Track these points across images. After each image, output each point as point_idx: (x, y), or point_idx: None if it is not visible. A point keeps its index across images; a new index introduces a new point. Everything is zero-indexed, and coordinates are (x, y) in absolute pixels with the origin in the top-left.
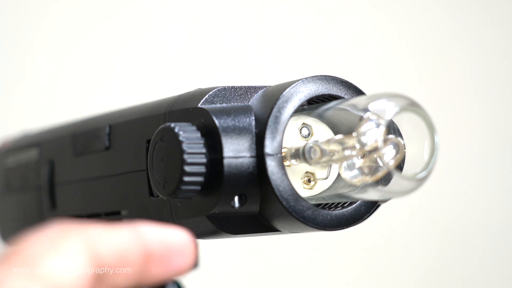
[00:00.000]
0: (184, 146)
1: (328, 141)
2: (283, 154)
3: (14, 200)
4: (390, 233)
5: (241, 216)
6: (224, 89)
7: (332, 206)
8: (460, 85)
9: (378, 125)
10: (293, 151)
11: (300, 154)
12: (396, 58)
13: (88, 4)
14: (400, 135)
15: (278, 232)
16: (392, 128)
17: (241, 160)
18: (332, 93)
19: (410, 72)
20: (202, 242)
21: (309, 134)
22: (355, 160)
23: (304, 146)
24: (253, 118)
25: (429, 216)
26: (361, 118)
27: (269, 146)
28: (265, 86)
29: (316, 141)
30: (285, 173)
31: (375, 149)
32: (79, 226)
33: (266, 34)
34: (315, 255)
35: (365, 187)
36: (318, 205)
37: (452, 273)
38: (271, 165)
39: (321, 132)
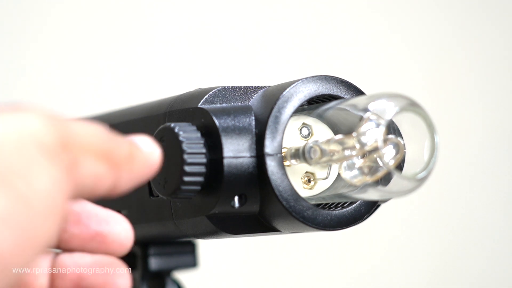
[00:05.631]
0: (184, 146)
1: (328, 141)
2: (283, 154)
3: None
4: (390, 233)
5: (241, 216)
6: (224, 89)
7: (332, 206)
8: (460, 85)
9: (378, 125)
10: (293, 151)
11: (300, 154)
12: (396, 58)
13: (89, 4)
14: (400, 135)
15: (278, 232)
16: (392, 128)
17: (241, 160)
18: (332, 93)
19: (410, 72)
20: (202, 242)
21: (309, 134)
22: (355, 160)
23: (304, 146)
24: (253, 118)
25: (428, 216)
26: (361, 118)
27: (269, 146)
28: (265, 86)
29: (316, 141)
30: (285, 173)
31: (375, 149)
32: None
33: (266, 34)
34: (315, 255)
35: (365, 187)
36: (318, 205)
37: (452, 273)
38: (271, 165)
39: (321, 132)
